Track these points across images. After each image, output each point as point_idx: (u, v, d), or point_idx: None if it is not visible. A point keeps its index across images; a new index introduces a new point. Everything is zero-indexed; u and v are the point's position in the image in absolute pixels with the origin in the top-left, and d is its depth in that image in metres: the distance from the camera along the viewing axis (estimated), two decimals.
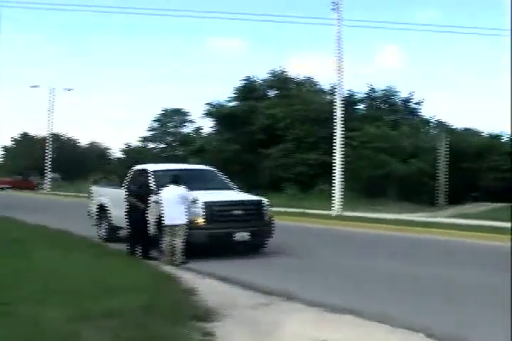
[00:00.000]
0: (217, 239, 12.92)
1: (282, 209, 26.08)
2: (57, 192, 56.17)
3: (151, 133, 77.08)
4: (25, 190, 63.50)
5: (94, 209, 17.04)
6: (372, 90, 48.28)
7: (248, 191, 15.76)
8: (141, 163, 17.58)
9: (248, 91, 50.02)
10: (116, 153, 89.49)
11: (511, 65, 45.43)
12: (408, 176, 39.46)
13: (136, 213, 12.94)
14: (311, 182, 40.79)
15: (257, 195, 14.62)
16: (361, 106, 49.08)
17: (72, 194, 48.90)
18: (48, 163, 61.70)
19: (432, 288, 9.88)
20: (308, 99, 46.00)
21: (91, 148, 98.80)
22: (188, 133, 75.24)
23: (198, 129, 71.72)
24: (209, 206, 12.79)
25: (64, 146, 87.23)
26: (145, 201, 12.97)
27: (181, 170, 14.79)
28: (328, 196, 27.15)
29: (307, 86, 51.00)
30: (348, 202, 27.36)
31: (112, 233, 16.02)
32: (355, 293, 9.38)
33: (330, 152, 28.05)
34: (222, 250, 13.64)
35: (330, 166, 27.19)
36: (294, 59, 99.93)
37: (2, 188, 65.55)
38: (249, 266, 12.13)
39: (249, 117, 46.63)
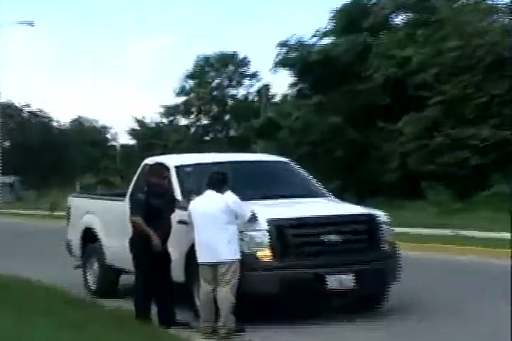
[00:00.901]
0: (295, 288, 12.97)
1: (421, 231, 25.95)
2: (11, 210, 57.07)
3: (181, 99, 77.56)
4: None
5: (75, 238, 17.38)
6: None
7: (358, 200, 15.80)
8: (161, 154, 17.79)
9: (355, 17, 49.48)
10: (121, 137, 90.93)
11: None
12: None
13: (149, 244, 13.11)
14: (476, 179, 40.32)
15: (371, 207, 14.63)
16: None
17: (42, 213, 49.71)
18: None
19: None
20: (471, 27, 45.31)
21: (75, 129, 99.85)
22: (247, 98, 75.20)
23: (264, 89, 71.63)
24: (279, 227, 12.87)
25: (24, 126, 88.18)
26: (163, 221, 13.19)
27: (227, 163, 15.00)
28: (507, 204, 26.90)
29: (467, 3, 50.23)
30: None
31: (108, 280, 16.38)
32: None
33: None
34: (304, 306, 13.75)
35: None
36: None
37: None
38: (349, 336, 12.20)
39: (359, 65, 46.42)
